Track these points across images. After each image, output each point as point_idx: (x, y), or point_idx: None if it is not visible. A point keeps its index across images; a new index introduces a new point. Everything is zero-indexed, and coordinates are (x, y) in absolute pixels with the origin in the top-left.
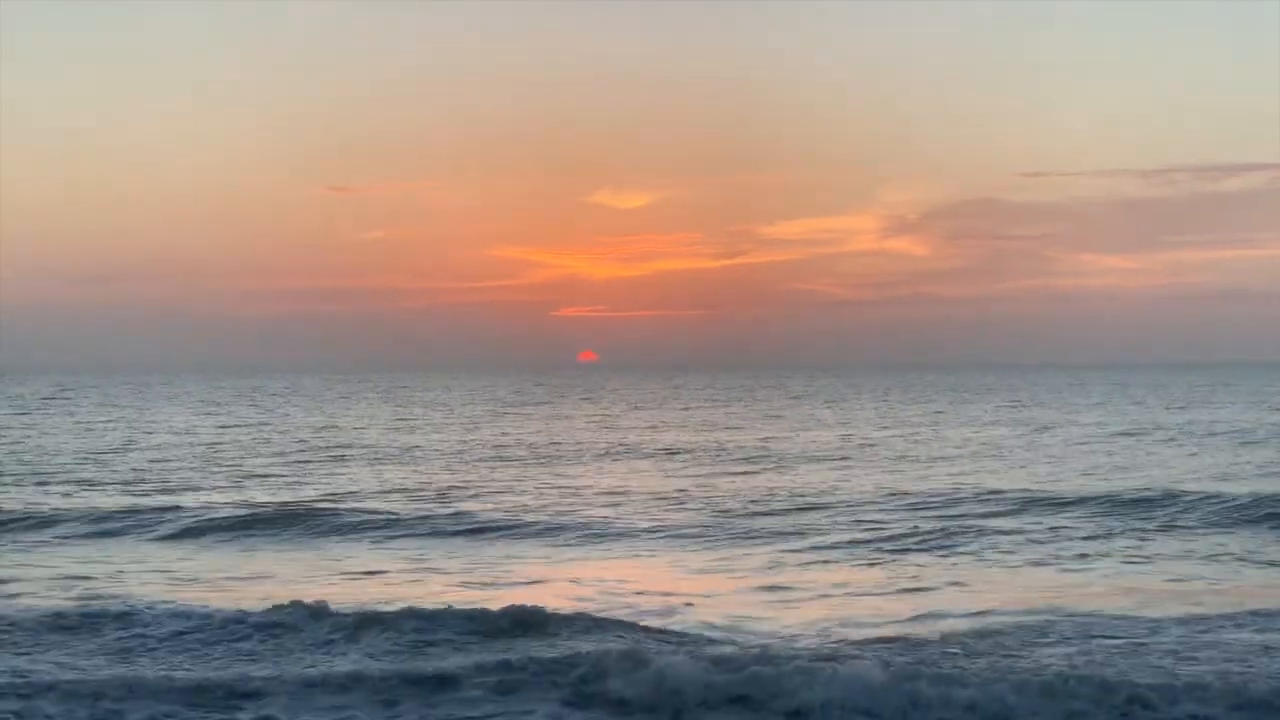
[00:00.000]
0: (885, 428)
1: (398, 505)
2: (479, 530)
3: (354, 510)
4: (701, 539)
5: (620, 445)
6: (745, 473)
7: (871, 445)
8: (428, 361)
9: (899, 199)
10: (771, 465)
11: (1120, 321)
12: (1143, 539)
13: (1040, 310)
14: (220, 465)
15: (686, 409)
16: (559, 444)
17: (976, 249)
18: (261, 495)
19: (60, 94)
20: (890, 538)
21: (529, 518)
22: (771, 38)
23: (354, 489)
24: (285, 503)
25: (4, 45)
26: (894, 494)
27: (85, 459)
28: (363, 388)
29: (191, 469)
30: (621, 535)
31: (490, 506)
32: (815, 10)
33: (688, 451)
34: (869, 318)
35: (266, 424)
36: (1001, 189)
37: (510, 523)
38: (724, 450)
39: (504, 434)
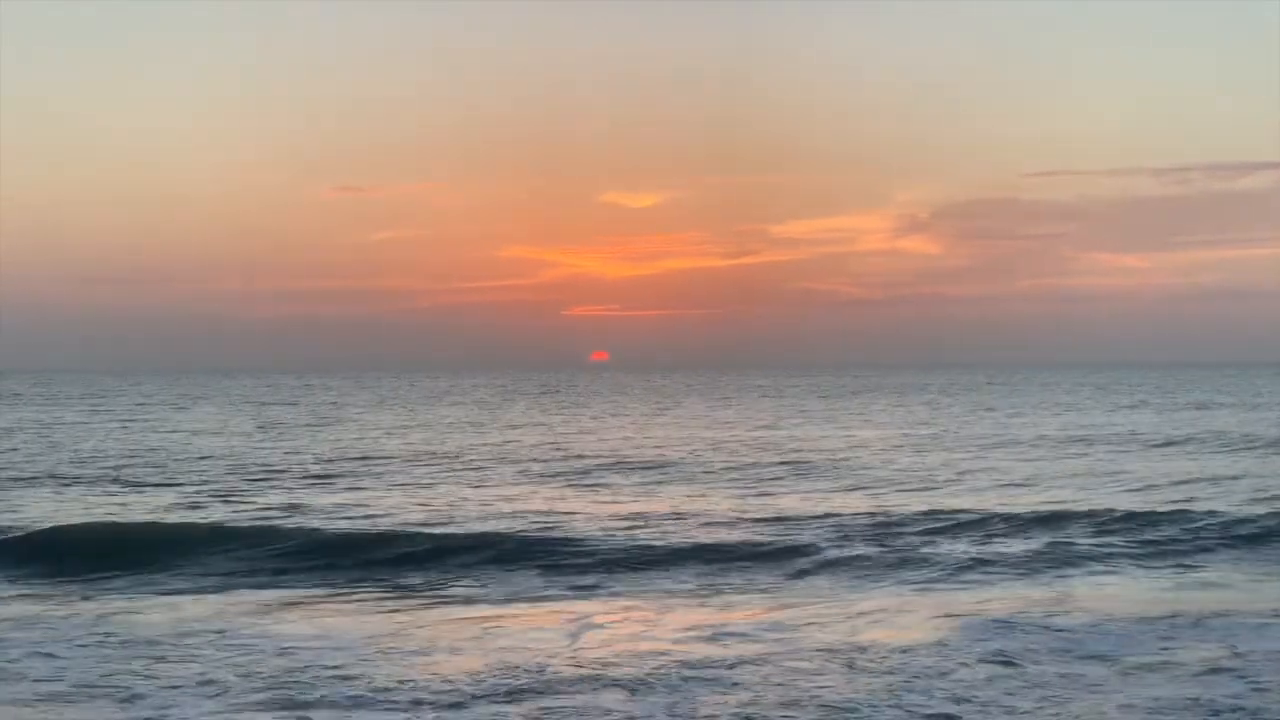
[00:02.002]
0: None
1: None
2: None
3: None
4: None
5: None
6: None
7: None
8: (438, 362)
9: (910, 198)
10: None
11: (1133, 321)
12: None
13: (1053, 309)
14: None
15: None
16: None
17: (988, 248)
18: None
19: (65, 94)
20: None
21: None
22: (783, 37)
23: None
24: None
25: (6, 44)
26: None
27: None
28: (381, 389)
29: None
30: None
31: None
32: (828, 10)
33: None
34: (881, 317)
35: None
36: (1014, 188)
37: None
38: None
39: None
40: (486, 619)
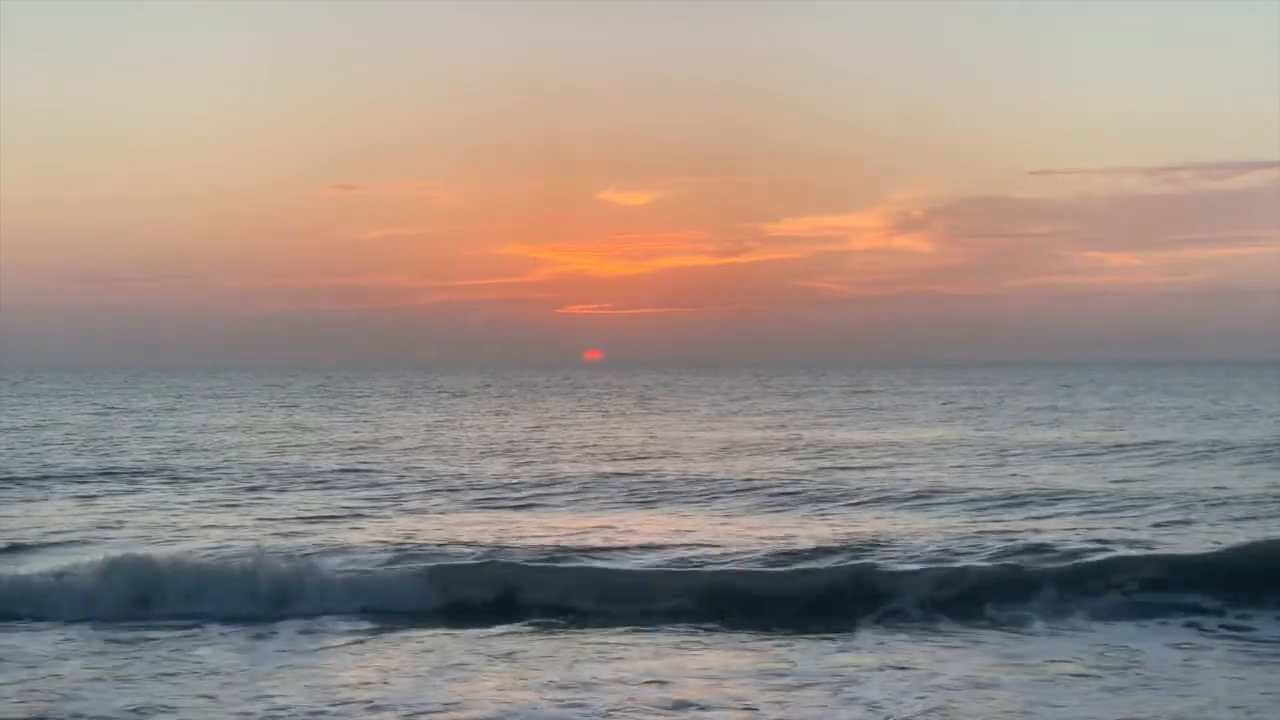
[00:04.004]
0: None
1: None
2: None
3: None
4: None
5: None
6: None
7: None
8: (434, 360)
9: (905, 196)
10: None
11: (1126, 319)
12: None
13: (1046, 307)
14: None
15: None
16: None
17: (982, 246)
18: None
19: (63, 91)
20: None
21: None
22: (778, 35)
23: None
24: None
25: (4, 42)
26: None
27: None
28: (402, 387)
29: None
30: None
31: None
32: (822, 8)
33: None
34: (875, 315)
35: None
36: (1007, 186)
37: None
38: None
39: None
40: None
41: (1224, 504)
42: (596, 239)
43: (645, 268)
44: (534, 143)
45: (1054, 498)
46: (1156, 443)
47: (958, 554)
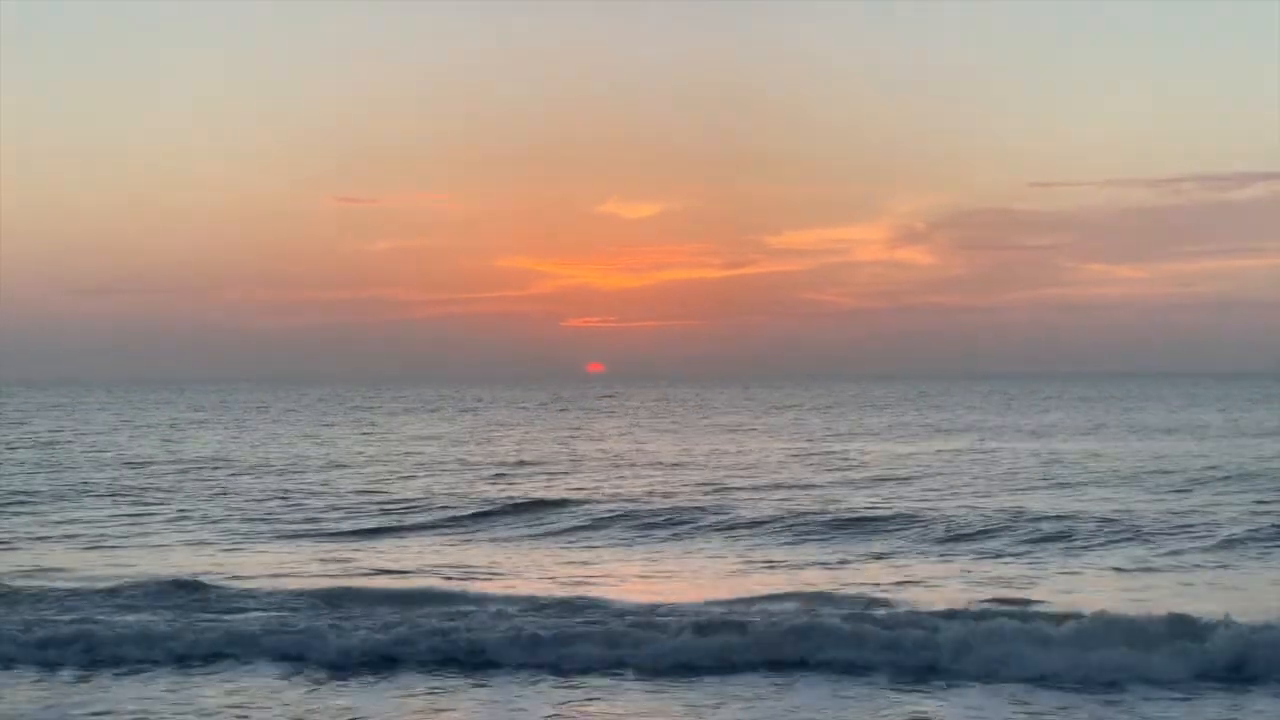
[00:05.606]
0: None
1: None
2: None
3: None
4: None
5: None
6: None
7: None
8: (436, 373)
9: (907, 209)
10: None
11: (1128, 331)
12: None
13: (1048, 320)
14: None
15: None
16: None
17: (985, 259)
18: None
19: (66, 101)
20: None
21: None
22: (780, 47)
23: None
24: None
25: (7, 51)
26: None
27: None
28: (431, 401)
29: None
30: None
31: None
32: (824, 20)
33: None
34: (877, 327)
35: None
36: (1010, 198)
37: None
38: None
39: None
40: None
41: None
42: (600, 252)
43: (648, 280)
44: (537, 155)
45: None
46: None
47: None
